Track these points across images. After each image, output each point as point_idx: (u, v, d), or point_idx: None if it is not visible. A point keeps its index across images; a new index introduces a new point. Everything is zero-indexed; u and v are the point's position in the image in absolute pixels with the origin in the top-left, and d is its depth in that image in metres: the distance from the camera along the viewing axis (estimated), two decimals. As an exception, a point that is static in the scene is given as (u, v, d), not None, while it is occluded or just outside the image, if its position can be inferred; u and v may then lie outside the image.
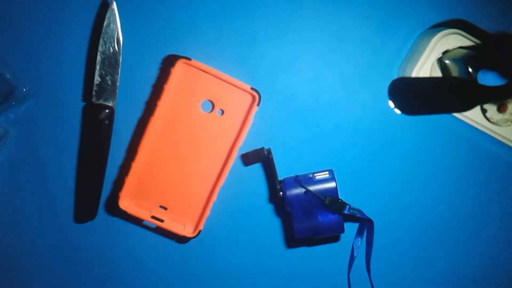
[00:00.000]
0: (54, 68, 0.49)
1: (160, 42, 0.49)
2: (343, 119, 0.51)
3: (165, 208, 0.50)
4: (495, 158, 0.52)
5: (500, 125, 0.48)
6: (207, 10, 0.49)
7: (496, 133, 0.48)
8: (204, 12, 0.49)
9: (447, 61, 0.47)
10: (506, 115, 0.48)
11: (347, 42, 0.50)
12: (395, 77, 0.50)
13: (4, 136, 0.49)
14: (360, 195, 0.52)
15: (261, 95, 0.48)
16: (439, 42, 0.46)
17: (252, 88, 0.48)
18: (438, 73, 0.47)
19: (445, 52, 0.47)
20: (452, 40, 0.46)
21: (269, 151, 0.50)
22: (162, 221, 0.50)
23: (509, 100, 0.48)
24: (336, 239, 0.53)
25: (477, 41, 0.46)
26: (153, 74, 0.49)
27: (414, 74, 0.46)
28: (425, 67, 0.46)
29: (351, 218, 0.52)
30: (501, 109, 0.48)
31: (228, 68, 0.49)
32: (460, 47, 0.46)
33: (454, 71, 0.46)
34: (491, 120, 0.48)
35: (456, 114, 0.48)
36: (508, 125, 0.48)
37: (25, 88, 0.48)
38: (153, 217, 0.50)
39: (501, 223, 0.53)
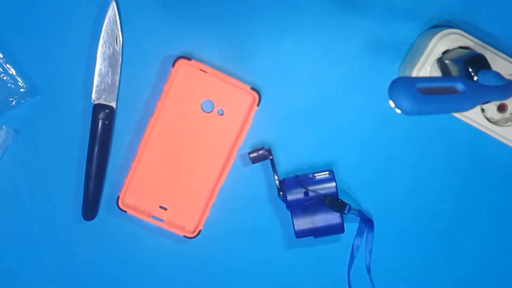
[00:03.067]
0: (55, 68, 0.49)
1: (160, 42, 0.49)
2: (343, 119, 0.51)
3: (165, 208, 0.50)
4: (495, 158, 0.52)
5: (500, 125, 0.48)
6: (207, 10, 0.49)
7: (496, 133, 0.48)
8: (204, 12, 0.49)
9: (447, 61, 0.47)
10: (506, 115, 0.48)
11: (347, 42, 0.50)
12: (395, 77, 0.50)
13: (5, 136, 0.49)
14: (360, 195, 0.52)
15: (261, 95, 0.48)
16: (439, 42, 0.46)
17: (252, 88, 0.48)
18: (438, 73, 0.47)
19: (445, 52, 0.47)
20: (452, 40, 0.46)
21: (269, 151, 0.50)
22: (162, 221, 0.50)
23: (509, 100, 0.48)
24: (336, 239, 0.53)
25: (477, 41, 0.46)
26: (153, 74, 0.49)
27: (414, 74, 0.46)
28: (425, 67, 0.46)
29: (351, 218, 0.52)
30: (501, 109, 0.48)
31: (228, 68, 0.49)
32: (460, 47, 0.46)
33: (454, 71, 0.46)
34: (491, 120, 0.48)
35: (456, 114, 0.48)
36: (508, 125, 0.48)
37: (26, 88, 0.48)
38: (153, 217, 0.50)
39: (502, 222, 0.53)
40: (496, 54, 0.46)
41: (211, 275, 0.53)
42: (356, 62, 0.50)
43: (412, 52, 0.49)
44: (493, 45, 0.46)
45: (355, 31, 0.49)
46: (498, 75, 0.39)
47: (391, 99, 0.32)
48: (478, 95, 0.35)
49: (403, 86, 0.32)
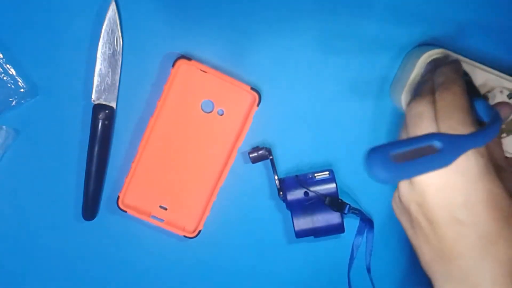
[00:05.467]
0: (55, 69, 0.49)
1: (160, 42, 0.49)
2: (344, 119, 0.51)
3: (165, 208, 0.51)
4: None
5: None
6: (207, 10, 0.49)
7: None
8: (204, 12, 0.49)
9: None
10: (502, 126, 0.48)
11: (348, 41, 0.50)
12: (395, 76, 0.50)
13: (5, 136, 0.49)
14: (360, 195, 0.52)
15: (261, 95, 0.48)
16: (427, 63, 0.45)
17: (252, 88, 0.48)
18: None
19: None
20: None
21: (269, 151, 0.50)
22: (162, 221, 0.50)
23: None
24: (336, 239, 0.53)
25: (464, 58, 0.45)
26: (153, 74, 0.49)
27: (404, 96, 0.45)
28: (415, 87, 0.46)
29: (351, 218, 0.52)
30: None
31: (228, 68, 0.49)
32: None
33: None
34: None
35: None
36: (503, 137, 0.47)
37: (26, 88, 0.49)
38: (153, 217, 0.50)
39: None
40: (484, 70, 0.45)
41: (211, 275, 0.53)
42: (356, 61, 0.50)
43: (401, 72, 0.48)
44: (480, 61, 0.46)
45: (356, 31, 0.49)
46: (488, 105, 0.38)
47: (367, 172, 0.31)
48: (457, 149, 0.32)
49: (377, 157, 0.31)
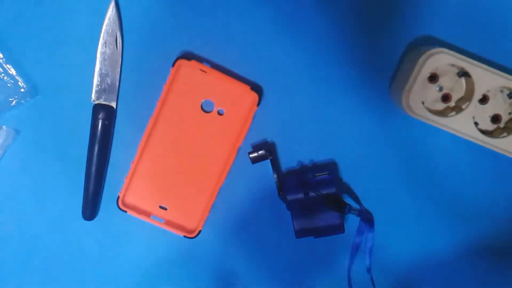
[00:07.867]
0: (55, 68, 0.49)
1: (160, 42, 0.49)
2: (344, 119, 0.51)
3: (165, 208, 0.51)
4: (493, 166, 0.52)
5: (495, 137, 0.47)
6: (208, 10, 0.49)
7: (492, 145, 0.47)
8: (204, 12, 0.49)
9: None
10: (501, 125, 0.48)
11: (348, 40, 0.50)
12: (395, 76, 0.50)
13: (5, 136, 0.49)
14: (360, 195, 0.52)
15: (262, 94, 0.48)
16: (427, 62, 0.45)
17: (252, 88, 0.48)
18: (428, 91, 0.47)
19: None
20: (439, 60, 0.45)
21: (269, 151, 0.50)
22: (162, 221, 0.50)
23: (503, 109, 0.48)
24: (336, 239, 0.52)
25: (464, 57, 0.46)
26: (153, 73, 0.49)
27: (405, 94, 0.46)
28: (415, 87, 0.46)
29: (351, 218, 0.52)
30: (495, 120, 0.47)
31: (228, 68, 0.49)
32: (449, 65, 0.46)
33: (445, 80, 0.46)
34: (486, 131, 0.48)
35: (449, 130, 0.47)
36: (504, 136, 0.47)
37: (26, 88, 0.49)
38: (153, 217, 0.50)
39: (502, 224, 0.53)
40: (484, 70, 0.46)
41: (211, 275, 0.53)
42: (356, 62, 0.50)
43: (402, 71, 0.48)
44: (481, 61, 0.46)
45: (356, 29, 0.49)
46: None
47: None
48: None
49: None
